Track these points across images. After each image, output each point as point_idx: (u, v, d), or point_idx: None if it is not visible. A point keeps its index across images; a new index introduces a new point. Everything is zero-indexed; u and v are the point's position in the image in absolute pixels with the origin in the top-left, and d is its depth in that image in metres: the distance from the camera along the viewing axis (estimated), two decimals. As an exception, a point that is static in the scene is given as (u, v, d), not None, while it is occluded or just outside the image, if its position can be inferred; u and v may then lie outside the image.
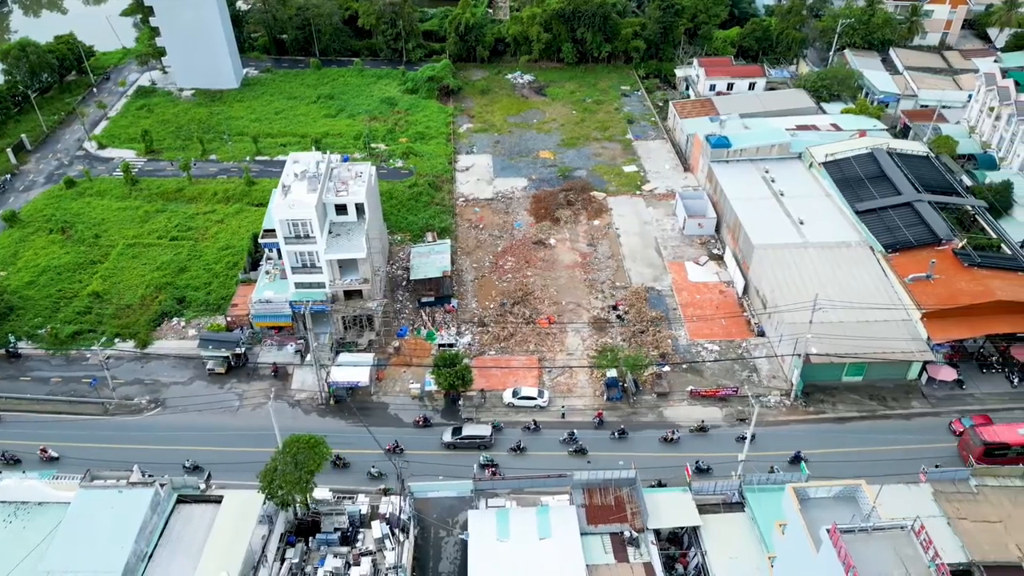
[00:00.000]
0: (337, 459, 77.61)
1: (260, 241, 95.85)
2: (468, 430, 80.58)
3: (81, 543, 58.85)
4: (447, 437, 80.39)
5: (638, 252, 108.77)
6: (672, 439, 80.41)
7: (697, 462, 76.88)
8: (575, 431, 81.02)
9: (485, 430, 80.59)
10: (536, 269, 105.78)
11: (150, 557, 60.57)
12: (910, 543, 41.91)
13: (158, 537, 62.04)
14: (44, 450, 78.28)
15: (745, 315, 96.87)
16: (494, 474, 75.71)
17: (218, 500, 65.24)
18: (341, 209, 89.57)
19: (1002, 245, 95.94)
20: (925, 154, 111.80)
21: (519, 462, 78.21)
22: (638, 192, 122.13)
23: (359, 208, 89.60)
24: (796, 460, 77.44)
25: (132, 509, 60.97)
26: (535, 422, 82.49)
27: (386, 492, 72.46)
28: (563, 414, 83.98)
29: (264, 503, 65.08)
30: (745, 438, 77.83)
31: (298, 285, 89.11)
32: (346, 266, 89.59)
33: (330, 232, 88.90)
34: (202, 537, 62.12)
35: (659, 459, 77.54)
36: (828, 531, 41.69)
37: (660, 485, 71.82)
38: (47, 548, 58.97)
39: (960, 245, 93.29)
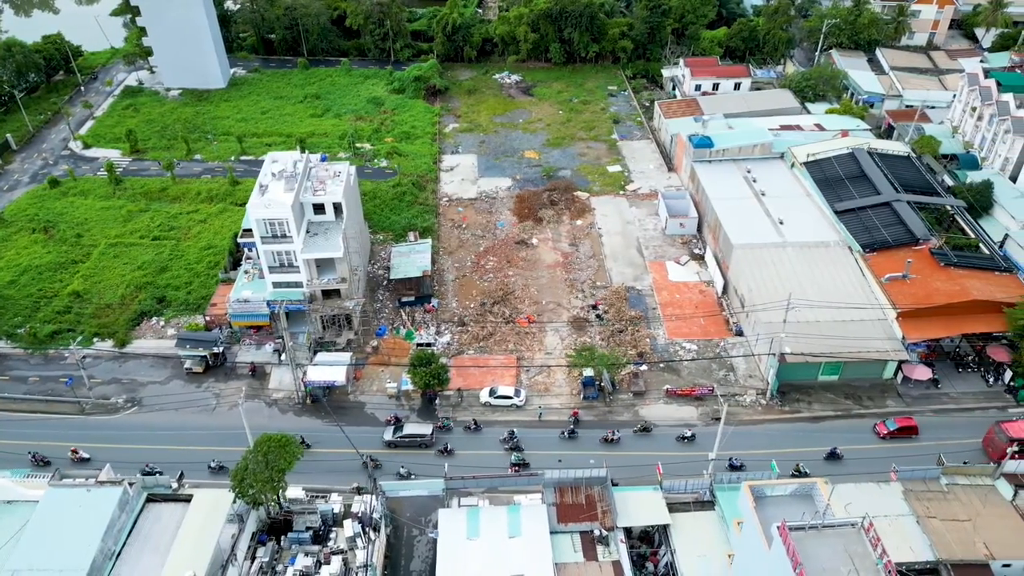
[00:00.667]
0: (371, 459, 77.70)
1: (239, 240, 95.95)
2: (408, 429, 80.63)
3: (48, 542, 58.99)
4: (388, 436, 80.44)
5: (620, 252, 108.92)
6: (612, 439, 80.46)
7: (731, 459, 76.85)
8: (515, 429, 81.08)
9: (426, 429, 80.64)
10: (518, 269, 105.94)
11: (118, 555, 60.72)
12: (860, 540, 42.09)
13: (127, 536, 62.20)
14: (75, 451, 78.17)
15: (724, 314, 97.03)
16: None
17: (188, 499, 65.40)
18: (319, 208, 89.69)
19: (980, 245, 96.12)
20: (906, 154, 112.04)
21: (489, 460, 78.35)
22: (621, 192, 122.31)
23: (337, 207, 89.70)
24: (832, 456, 77.99)
25: (100, 508, 61.12)
26: (475, 421, 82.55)
27: (359, 491, 72.68)
28: (540, 415, 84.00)
29: (235, 502, 65.22)
30: (686, 438, 79.90)
31: (276, 284, 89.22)
32: (324, 265, 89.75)
33: (308, 232, 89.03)
34: (171, 536, 62.25)
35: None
36: (778, 528, 41.86)
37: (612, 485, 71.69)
38: (14, 547, 59.05)
39: (938, 245, 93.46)
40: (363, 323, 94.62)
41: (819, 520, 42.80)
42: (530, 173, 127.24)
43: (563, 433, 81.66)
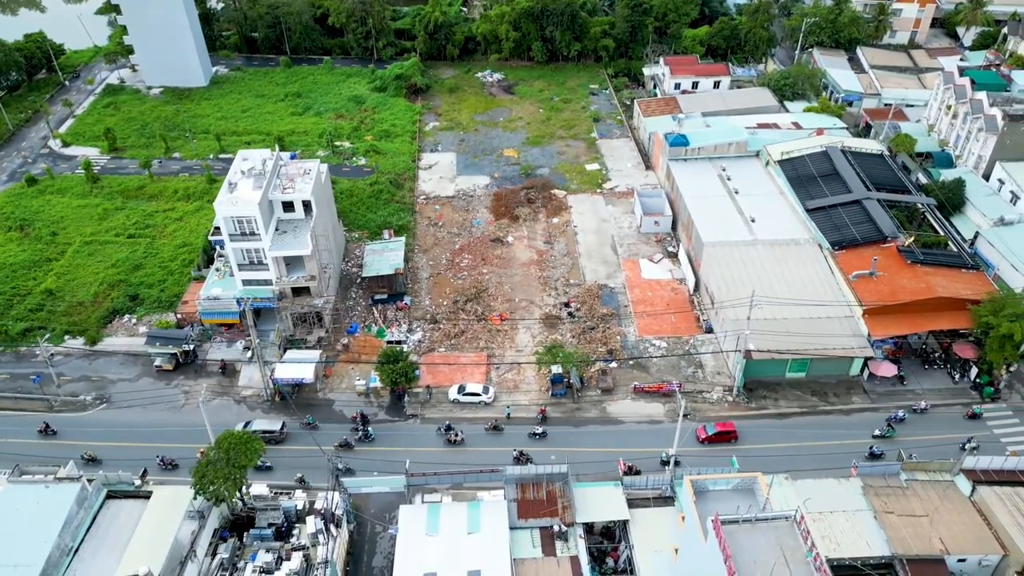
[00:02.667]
0: (521, 455, 77.80)
1: (210, 239, 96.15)
2: (257, 425, 79.85)
3: (3, 537, 59.23)
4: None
5: (594, 250, 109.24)
6: (456, 440, 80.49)
7: (871, 448, 77.75)
8: (369, 428, 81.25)
9: (275, 425, 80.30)
10: (492, 266, 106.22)
11: (76, 551, 61.00)
12: (792, 533, 42.46)
13: (85, 532, 62.44)
14: (203, 453, 77.59)
15: (695, 312, 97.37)
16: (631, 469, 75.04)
17: (148, 496, 65.68)
18: (288, 206, 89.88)
19: (949, 243, 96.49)
20: (879, 152, 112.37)
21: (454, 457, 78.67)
22: (599, 190, 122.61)
23: (306, 205, 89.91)
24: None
25: (57, 504, 61.46)
26: (363, 419, 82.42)
27: (302, 482, 73.52)
28: (509, 414, 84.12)
29: (195, 498, 65.52)
30: (536, 434, 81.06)
31: (245, 282, 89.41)
32: (293, 263, 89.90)
33: (277, 229, 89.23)
34: (129, 532, 62.56)
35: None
36: (712, 521, 42.22)
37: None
38: (-30, 542, 59.36)
39: (906, 243, 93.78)
40: (335, 321, 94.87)
41: (753, 514, 43.17)
42: (508, 171, 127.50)
43: (439, 428, 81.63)
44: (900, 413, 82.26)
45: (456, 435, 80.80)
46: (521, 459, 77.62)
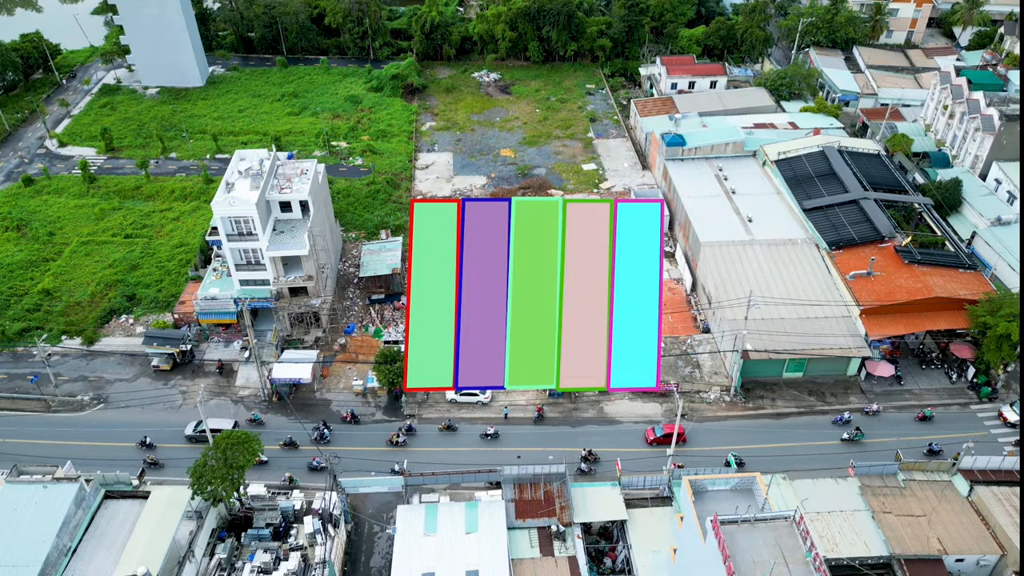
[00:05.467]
0: (589, 454, 77.63)
1: (208, 239, 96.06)
2: (209, 424, 78.45)
3: (1, 537, 59.14)
4: (189, 431, 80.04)
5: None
6: (398, 441, 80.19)
7: (930, 445, 77.97)
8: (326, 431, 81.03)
9: (227, 424, 79.55)
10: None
11: (73, 551, 60.92)
12: (791, 533, 42.53)
13: (83, 532, 62.37)
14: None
15: (692, 312, 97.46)
16: None
17: (146, 496, 65.63)
18: (286, 206, 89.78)
19: (946, 243, 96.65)
20: (876, 152, 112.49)
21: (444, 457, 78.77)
22: (595, 190, 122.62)
23: (303, 205, 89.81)
24: None
25: (55, 504, 61.34)
26: (325, 422, 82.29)
27: (291, 481, 73.54)
28: (506, 414, 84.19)
29: (193, 499, 65.50)
30: (488, 435, 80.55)
31: (243, 282, 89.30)
32: (291, 263, 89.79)
33: (275, 229, 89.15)
34: (127, 532, 62.53)
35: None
36: (711, 522, 42.27)
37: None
38: (-32, 543, 59.26)
39: (903, 243, 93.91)
40: (332, 321, 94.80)
41: (752, 514, 43.22)
42: (505, 171, 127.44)
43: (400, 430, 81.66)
44: (845, 415, 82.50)
45: (397, 435, 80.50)
46: (590, 457, 77.86)
